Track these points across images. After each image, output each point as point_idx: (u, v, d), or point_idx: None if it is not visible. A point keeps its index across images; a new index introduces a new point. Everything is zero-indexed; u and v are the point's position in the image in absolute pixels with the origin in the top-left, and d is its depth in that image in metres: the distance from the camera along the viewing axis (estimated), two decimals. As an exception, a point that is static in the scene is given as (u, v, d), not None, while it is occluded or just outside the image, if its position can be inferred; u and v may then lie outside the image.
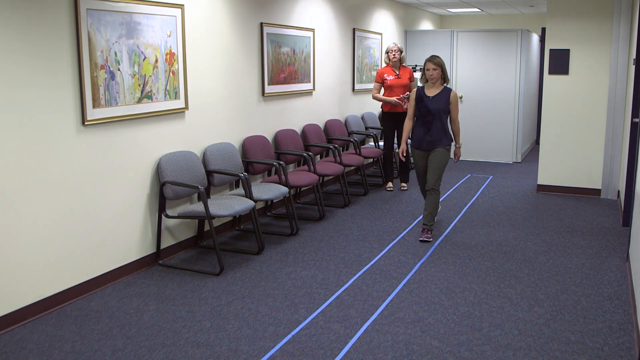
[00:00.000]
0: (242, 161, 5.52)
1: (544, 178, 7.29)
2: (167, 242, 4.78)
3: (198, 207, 4.51)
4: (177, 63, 4.72)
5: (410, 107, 5.40)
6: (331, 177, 7.28)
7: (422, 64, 9.62)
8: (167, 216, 4.59)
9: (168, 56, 4.61)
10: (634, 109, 5.69)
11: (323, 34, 7.15)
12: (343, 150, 7.27)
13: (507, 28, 10.07)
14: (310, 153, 6.03)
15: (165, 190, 4.54)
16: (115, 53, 4.11)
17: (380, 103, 7.44)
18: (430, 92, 5.28)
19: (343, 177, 6.61)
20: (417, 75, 8.64)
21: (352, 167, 7.58)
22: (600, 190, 7.05)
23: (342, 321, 3.64)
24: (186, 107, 4.85)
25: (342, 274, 4.44)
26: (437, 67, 5.21)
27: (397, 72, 7.08)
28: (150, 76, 4.44)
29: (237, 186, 5.46)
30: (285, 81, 6.30)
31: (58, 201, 3.81)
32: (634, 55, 6.06)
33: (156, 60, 4.49)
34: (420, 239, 5.23)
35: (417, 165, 5.45)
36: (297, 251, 4.98)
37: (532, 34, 10.15)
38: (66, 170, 3.85)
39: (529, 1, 9.54)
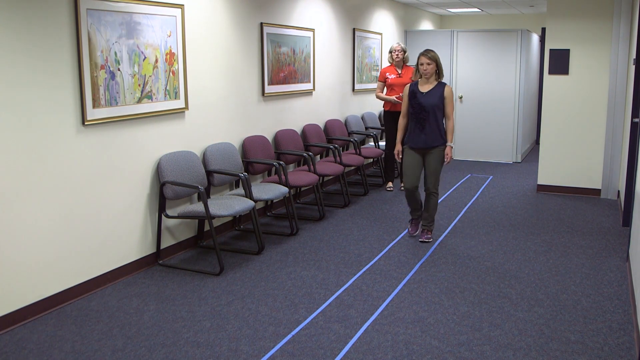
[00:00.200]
0: (242, 161, 5.52)
1: (544, 178, 7.29)
2: (167, 242, 4.78)
3: (198, 207, 4.51)
4: (177, 63, 4.72)
5: (403, 104, 5.20)
6: (331, 177, 7.28)
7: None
8: (167, 216, 4.59)
9: (168, 56, 4.61)
10: (634, 109, 5.69)
11: (323, 34, 7.15)
12: (343, 150, 7.27)
13: (507, 28, 10.07)
14: (310, 153, 6.03)
15: (165, 190, 4.54)
16: (115, 53, 4.11)
17: (383, 102, 7.45)
18: (424, 87, 5.03)
19: (343, 177, 6.61)
20: None
21: (352, 167, 7.58)
22: (600, 190, 7.05)
23: (342, 321, 3.64)
24: (186, 107, 4.85)
25: (342, 274, 4.44)
26: (431, 61, 4.96)
27: (400, 72, 7.09)
28: (150, 76, 4.44)
29: (237, 186, 5.46)
30: (285, 81, 6.30)
31: (58, 201, 3.81)
32: (634, 55, 6.06)
33: (156, 60, 4.49)
34: (421, 239, 5.22)
35: (407, 161, 5.15)
36: (297, 251, 4.98)
37: (532, 34, 10.15)
38: (66, 170, 3.85)
39: (529, 1, 9.53)
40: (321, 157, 7.01)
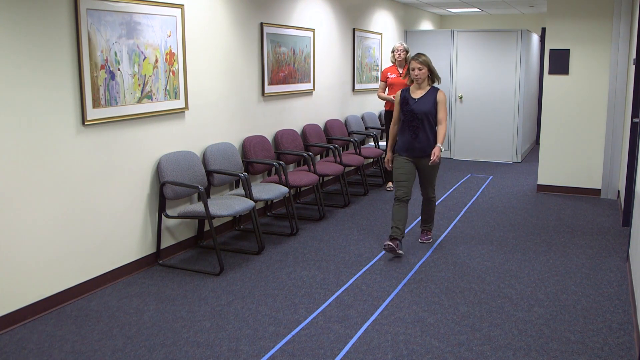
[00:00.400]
0: (242, 161, 5.52)
1: (544, 178, 7.29)
2: (167, 242, 4.78)
3: (198, 207, 4.51)
4: (177, 63, 4.72)
5: (394, 110, 4.92)
6: (331, 177, 7.28)
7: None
8: (167, 216, 4.59)
9: (168, 56, 4.61)
10: (634, 109, 5.69)
11: (323, 34, 7.15)
12: (343, 150, 7.27)
13: (507, 28, 10.08)
14: (310, 153, 6.03)
15: (165, 190, 4.54)
16: (115, 53, 4.11)
17: (384, 102, 7.46)
18: (416, 93, 4.77)
19: (343, 177, 6.61)
20: None
21: (352, 167, 7.58)
22: (600, 190, 7.05)
23: (342, 321, 3.64)
24: (186, 107, 4.85)
25: (342, 274, 4.44)
26: (422, 66, 4.70)
27: (401, 71, 7.10)
28: (150, 76, 4.44)
29: (237, 186, 5.46)
30: (285, 81, 6.30)
31: (58, 201, 3.81)
32: (634, 55, 6.06)
33: (156, 60, 4.49)
34: (421, 240, 5.19)
35: (400, 170, 4.81)
36: (297, 251, 4.98)
37: (532, 34, 10.15)
38: (66, 170, 3.85)
39: (529, 1, 9.54)
40: (321, 157, 7.01)
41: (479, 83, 9.59)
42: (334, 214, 6.20)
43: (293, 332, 3.49)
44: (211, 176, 5.01)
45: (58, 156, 3.78)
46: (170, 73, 4.65)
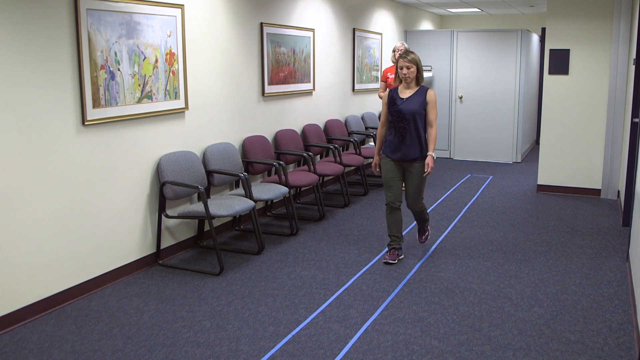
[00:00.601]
0: (242, 161, 5.52)
1: (544, 178, 7.29)
2: (167, 242, 4.78)
3: (198, 207, 4.51)
4: (177, 63, 4.72)
5: (382, 111, 4.68)
6: (331, 177, 7.28)
7: (426, 65, 9.68)
8: (167, 216, 4.59)
9: (168, 56, 4.61)
10: (634, 109, 5.69)
11: (323, 34, 7.15)
12: (343, 150, 7.27)
13: (507, 28, 10.07)
14: (310, 153, 6.03)
15: (165, 190, 4.54)
16: (115, 53, 4.11)
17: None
18: (404, 93, 4.53)
19: (343, 177, 6.61)
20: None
21: (352, 167, 7.58)
22: (600, 190, 7.05)
23: (342, 321, 3.64)
24: (186, 107, 4.85)
25: (342, 274, 4.44)
26: (411, 64, 4.45)
27: None
28: (150, 76, 4.44)
29: (237, 186, 5.46)
30: (285, 81, 6.30)
31: (58, 201, 3.81)
32: (634, 55, 6.06)
33: (156, 60, 4.49)
34: (421, 241, 5.07)
35: (387, 174, 4.62)
36: (297, 251, 4.98)
37: (532, 34, 10.15)
38: (66, 170, 3.85)
39: (529, 1, 9.54)
40: (321, 157, 7.01)
41: (479, 83, 9.59)
42: (334, 214, 6.20)
43: (293, 332, 3.49)
44: (211, 176, 5.01)
45: (58, 156, 3.78)
46: (170, 73, 4.65)
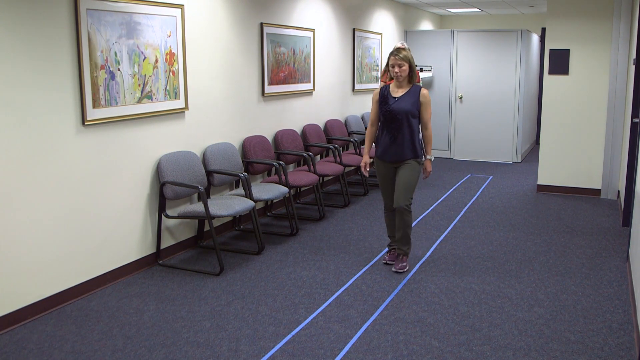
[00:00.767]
0: (242, 161, 5.52)
1: (544, 178, 7.29)
2: (167, 242, 4.78)
3: (198, 207, 4.51)
4: (177, 63, 4.72)
5: (372, 110, 4.47)
6: (331, 177, 7.28)
7: (427, 65, 9.69)
8: (167, 216, 4.59)
9: (168, 56, 4.61)
10: (634, 109, 5.69)
11: (323, 34, 7.15)
12: (343, 150, 7.27)
13: (507, 28, 10.08)
14: (310, 153, 6.03)
15: (165, 190, 4.54)
16: (115, 53, 4.11)
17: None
18: (396, 92, 4.33)
19: (343, 177, 6.61)
20: (422, 75, 8.63)
21: (352, 167, 7.58)
22: (600, 190, 7.05)
23: (342, 321, 3.64)
24: (186, 107, 4.85)
25: (342, 274, 4.44)
26: (403, 62, 4.24)
27: None
28: (150, 76, 4.44)
29: (237, 186, 5.46)
30: (285, 81, 6.29)
31: (58, 201, 3.81)
32: (634, 55, 6.06)
33: (156, 60, 4.49)
34: (395, 269, 4.45)
35: (380, 178, 4.49)
36: (297, 251, 4.98)
37: (532, 34, 10.15)
38: (66, 170, 3.85)
39: (529, 1, 9.54)
40: (321, 157, 7.01)
41: (479, 83, 9.59)
42: (334, 214, 6.20)
43: (293, 332, 3.49)
44: (211, 176, 5.01)
45: (58, 156, 3.78)
46: (170, 73, 4.65)
